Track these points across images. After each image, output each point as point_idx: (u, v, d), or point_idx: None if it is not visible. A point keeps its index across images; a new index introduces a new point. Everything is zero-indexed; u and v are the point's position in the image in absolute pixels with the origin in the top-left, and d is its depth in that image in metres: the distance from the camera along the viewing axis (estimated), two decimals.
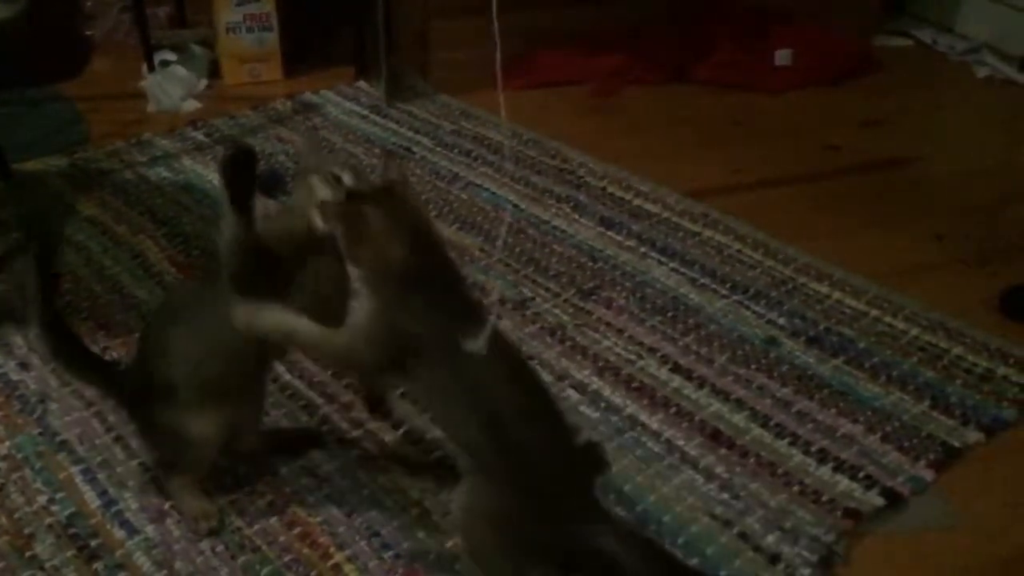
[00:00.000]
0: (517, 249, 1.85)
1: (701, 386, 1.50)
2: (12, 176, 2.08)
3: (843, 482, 1.32)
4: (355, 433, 1.39)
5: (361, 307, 1.05)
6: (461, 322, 1.04)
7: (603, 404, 1.46)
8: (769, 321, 1.65)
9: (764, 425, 1.42)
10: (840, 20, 2.76)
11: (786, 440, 1.39)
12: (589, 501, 1.08)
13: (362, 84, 2.58)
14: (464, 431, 1.06)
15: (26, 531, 1.23)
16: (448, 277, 1.09)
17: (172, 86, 2.46)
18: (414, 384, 1.13)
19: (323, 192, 1.12)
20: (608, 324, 1.64)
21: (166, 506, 1.26)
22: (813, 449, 1.37)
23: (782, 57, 2.61)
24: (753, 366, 1.54)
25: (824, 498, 1.29)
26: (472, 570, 1.11)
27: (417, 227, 1.06)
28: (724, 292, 1.72)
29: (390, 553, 1.20)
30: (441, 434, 1.21)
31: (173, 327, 1.19)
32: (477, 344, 1.01)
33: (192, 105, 2.45)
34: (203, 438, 1.19)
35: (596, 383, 1.50)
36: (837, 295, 1.71)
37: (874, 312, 1.67)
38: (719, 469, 1.34)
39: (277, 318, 1.09)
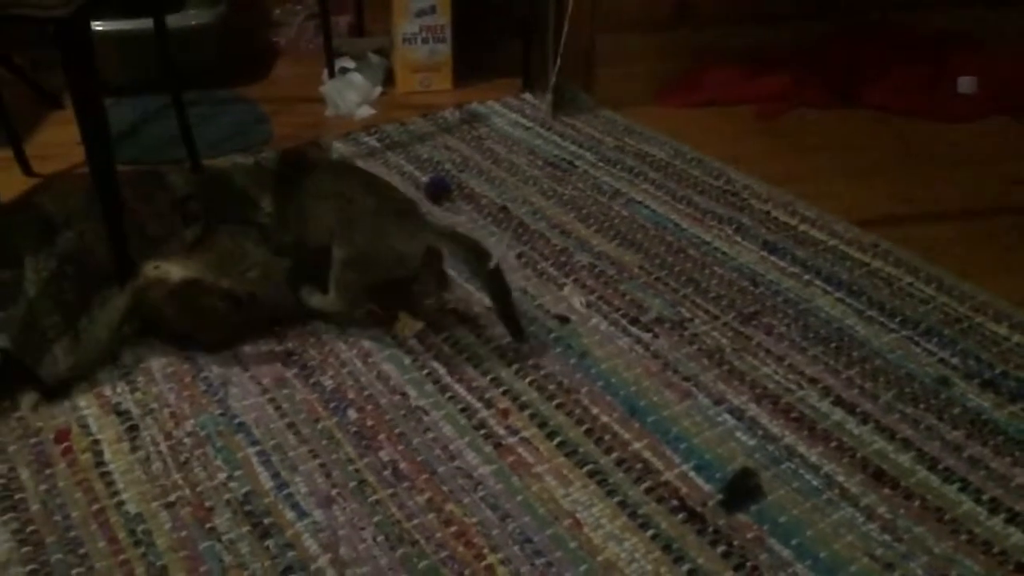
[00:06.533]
0: (677, 269, 1.84)
1: (865, 422, 1.45)
2: (203, 171, 2.24)
3: (1016, 535, 1.26)
4: (511, 440, 1.43)
5: None
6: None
7: (760, 432, 1.44)
8: (941, 360, 1.58)
9: (932, 468, 1.36)
10: None
11: (955, 485, 1.33)
12: (414, 224, 1.61)
13: (528, 96, 2.63)
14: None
15: (207, 504, 1.32)
16: None
17: (349, 93, 2.58)
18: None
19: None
20: (768, 351, 1.61)
21: (333, 492, 1.33)
22: (984, 497, 1.31)
23: (965, 84, 2.49)
24: (922, 406, 1.48)
25: (995, 549, 1.23)
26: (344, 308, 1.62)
27: None
28: (893, 326, 1.66)
29: (542, 560, 1.23)
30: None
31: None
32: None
33: (367, 111, 2.57)
34: None
35: (753, 410, 1.48)
36: (1017, 338, 1.63)
37: None
38: (881, 509, 1.30)
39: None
